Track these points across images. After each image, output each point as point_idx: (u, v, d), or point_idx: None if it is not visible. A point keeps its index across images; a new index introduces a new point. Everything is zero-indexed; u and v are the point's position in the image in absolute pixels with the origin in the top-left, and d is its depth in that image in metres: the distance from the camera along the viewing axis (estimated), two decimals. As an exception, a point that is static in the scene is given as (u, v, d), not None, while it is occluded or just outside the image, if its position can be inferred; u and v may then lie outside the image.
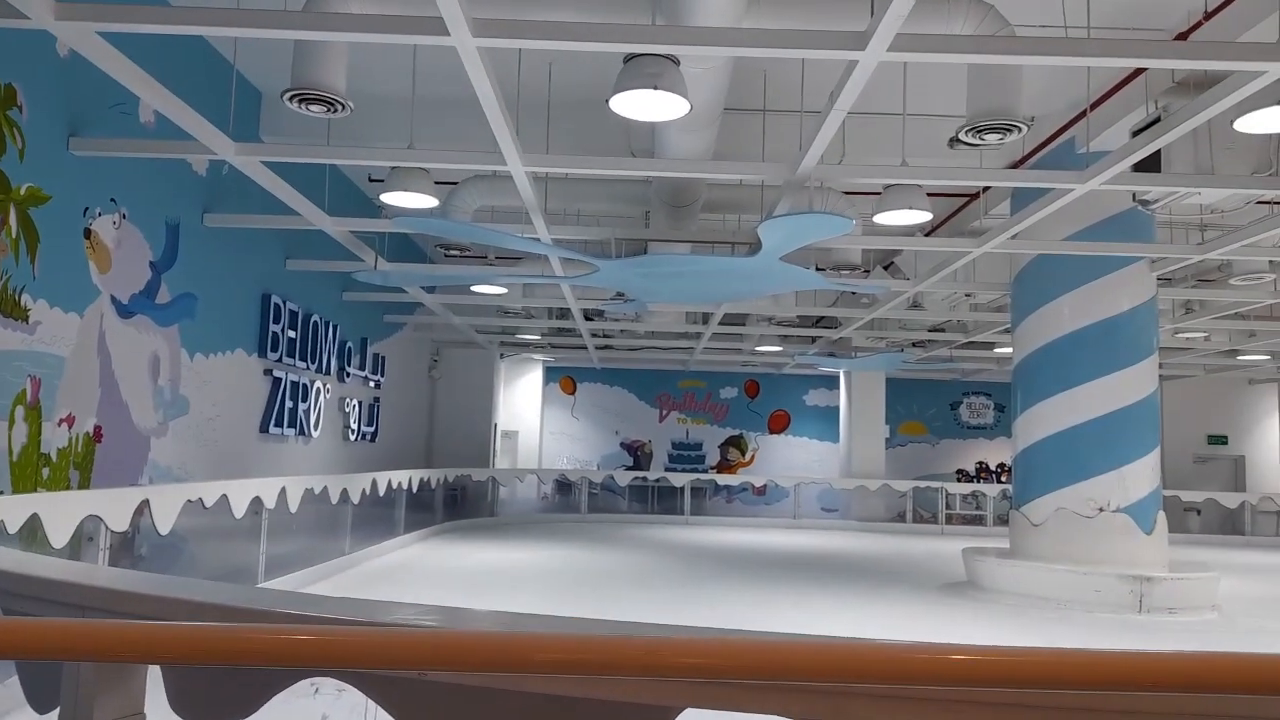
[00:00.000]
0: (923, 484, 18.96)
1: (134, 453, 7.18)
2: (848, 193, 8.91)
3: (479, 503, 17.06)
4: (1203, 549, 14.08)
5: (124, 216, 6.92)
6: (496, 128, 6.01)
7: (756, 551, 13.72)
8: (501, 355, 19.84)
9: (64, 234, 6.20)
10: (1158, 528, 9.28)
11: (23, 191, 5.73)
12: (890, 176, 7.50)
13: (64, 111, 6.14)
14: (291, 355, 10.31)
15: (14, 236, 5.67)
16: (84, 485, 6.40)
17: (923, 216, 7.82)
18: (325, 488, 9.50)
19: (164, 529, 6.22)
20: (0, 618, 2.02)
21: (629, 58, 5.66)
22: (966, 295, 12.01)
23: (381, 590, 8.95)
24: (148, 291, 7.33)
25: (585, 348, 17.77)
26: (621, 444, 23.17)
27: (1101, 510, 9.17)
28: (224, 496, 7.19)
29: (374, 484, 10.98)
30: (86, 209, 6.46)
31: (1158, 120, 6.21)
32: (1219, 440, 21.44)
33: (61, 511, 5.06)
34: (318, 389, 11.22)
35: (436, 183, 8.19)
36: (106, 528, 5.51)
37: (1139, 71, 7.22)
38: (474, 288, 11.99)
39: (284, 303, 10.07)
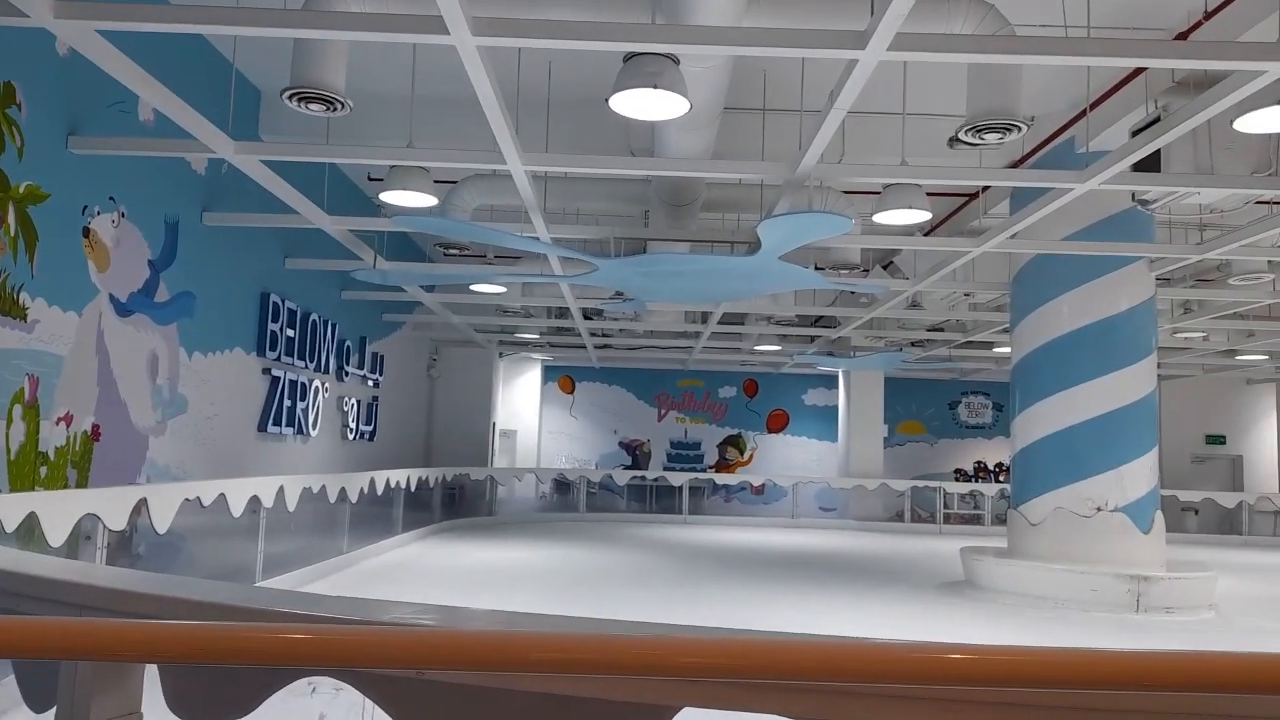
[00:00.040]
0: (921, 483, 18.97)
1: (132, 451, 7.17)
2: (847, 192, 8.91)
3: (477, 502, 17.06)
4: (1200, 549, 14.10)
5: (123, 215, 6.91)
6: (496, 127, 6.00)
7: (755, 551, 13.72)
8: (500, 354, 19.84)
9: (63, 232, 6.20)
10: (1155, 527, 9.29)
11: (21, 190, 5.73)
12: (890, 176, 7.50)
13: (63, 110, 6.14)
14: (290, 354, 10.30)
15: (13, 235, 5.67)
16: (82, 484, 6.40)
17: (922, 216, 7.82)
18: (323, 487, 9.49)
19: (162, 528, 6.21)
20: (-2, 616, 2.01)
21: (629, 57, 5.66)
22: (965, 295, 12.02)
23: (379, 589, 8.95)
24: (146, 290, 7.32)
25: (584, 347, 17.77)
26: (620, 443, 23.17)
27: (1099, 510, 9.18)
28: (222, 495, 7.19)
29: (372, 483, 10.98)
30: (85, 207, 6.45)
31: (1157, 120, 6.21)
32: (1217, 440, 21.46)
33: (59, 510, 5.06)
34: (316, 388, 11.22)
35: (436, 182, 8.19)
36: (104, 526, 5.51)
37: (1139, 71, 7.22)
38: (473, 287, 11.99)
39: (283, 301, 10.06)
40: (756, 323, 14.89)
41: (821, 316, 15.06)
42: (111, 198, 6.75)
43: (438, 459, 17.13)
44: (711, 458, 23.27)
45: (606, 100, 5.90)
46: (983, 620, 8.53)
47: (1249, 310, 12.68)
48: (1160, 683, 1.17)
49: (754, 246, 7.71)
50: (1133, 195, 7.72)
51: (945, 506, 18.56)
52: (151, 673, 1.86)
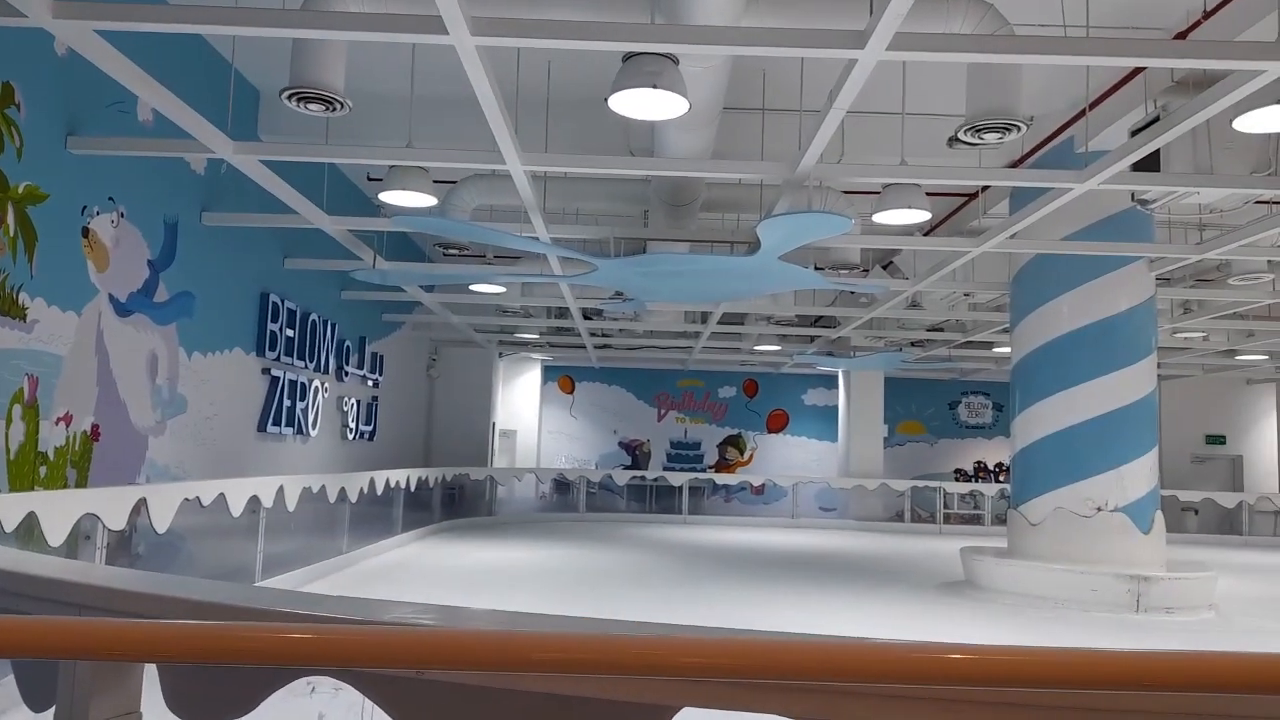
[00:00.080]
0: (921, 483, 18.97)
1: (131, 451, 7.17)
2: (847, 192, 8.91)
3: (477, 502, 17.06)
4: (1200, 549, 14.10)
5: (122, 215, 6.91)
6: (495, 127, 6.00)
7: (755, 551, 13.72)
8: (500, 354, 19.84)
9: (62, 233, 6.19)
10: (1155, 527, 9.29)
11: (21, 190, 5.73)
12: (889, 176, 7.50)
13: (62, 110, 6.14)
14: (290, 354, 10.30)
15: (12, 235, 5.67)
16: (81, 484, 6.40)
17: (922, 216, 7.82)
18: (323, 486, 9.49)
19: (161, 528, 6.21)
20: (-3, 616, 2.01)
21: (628, 56, 5.65)
22: (965, 295, 12.01)
23: (379, 589, 8.95)
24: (146, 290, 7.32)
25: (584, 347, 17.76)
26: (620, 443, 23.17)
27: (1099, 510, 9.18)
28: (221, 495, 7.19)
29: (372, 483, 10.98)
30: (84, 208, 6.45)
31: (1157, 120, 6.21)
32: (1217, 440, 21.46)
33: (58, 510, 5.06)
34: (316, 388, 11.21)
35: (435, 182, 8.19)
36: (104, 526, 5.50)
37: (1138, 71, 7.22)
38: (473, 287, 11.99)
39: (282, 302, 10.06)
40: (756, 323, 14.89)
41: (821, 316, 15.06)
42: (111, 198, 6.74)
43: (437, 459, 17.13)
44: (711, 458, 23.27)
45: (606, 100, 5.90)
46: (983, 620, 8.53)
47: (1249, 310, 12.68)
48: (1160, 683, 1.17)
49: (753, 246, 7.71)
50: (1132, 195, 7.72)
51: (945, 506, 18.56)
52: (151, 672, 1.86)
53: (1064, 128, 8.61)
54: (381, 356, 14.20)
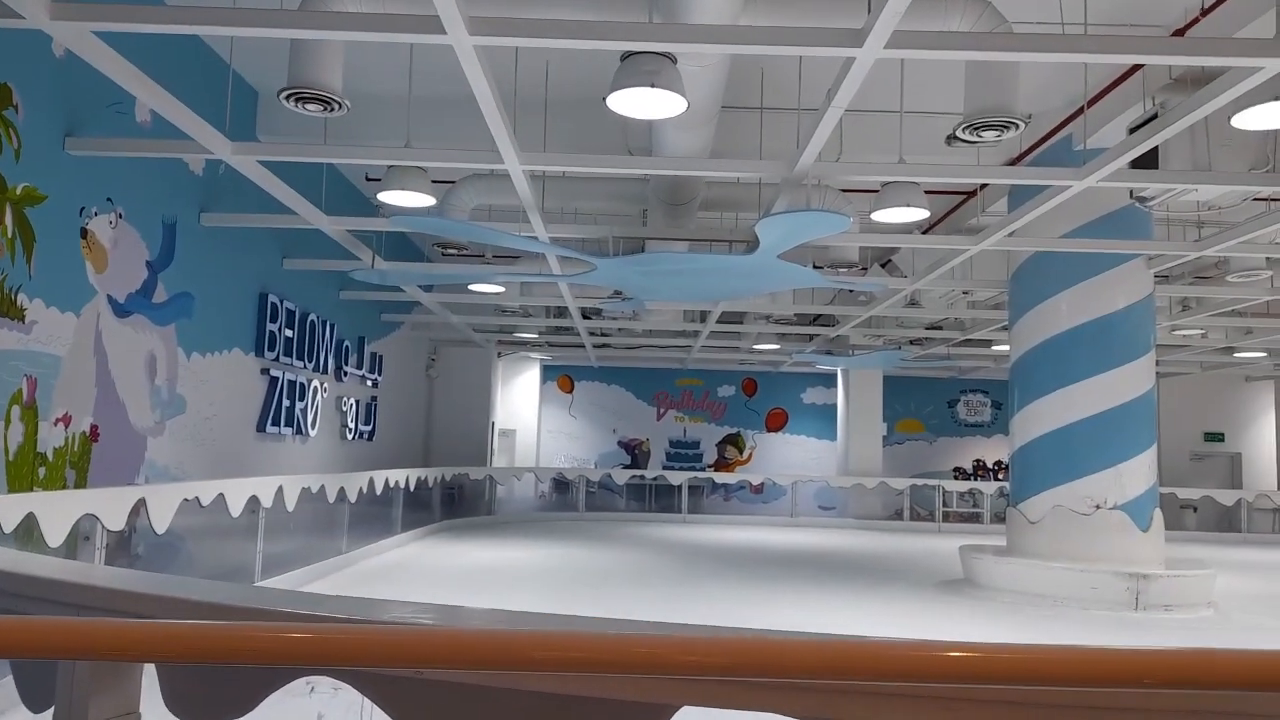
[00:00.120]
0: (920, 482, 18.97)
1: (130, 452, 7.17)
2: (845, 190, 8.91)
3: (476, 501, 17.05)
4: (1199, 546, 14.12)
5: (120, 216, 6.90)
6: (494, 126, 6.00)
7: (754, 549, 13.72)
8: (499, 354, 19.83)
9: (60, 233, 6.19)
10: (1154, 525, 9.30)
11: (19, 191, 5.72)
12: (888, 174, 7.50)
13: (60, 111, 6.13)
14: (289, 354, 10.30)
15: (10, 236, 5.66)
16: (80, 484, 6.40)
17: (920, 214, 7.82)
18: (322, 486, 9.49)
19: (160, 528, 6.21)
20: (-4, 617, 2.01)
21: (626, 56, 5.65)
22: (964, 293, 12.02)
23: (378, 589, 8.95)
24: (144, 291, 7.32)
25: (583, 346, 17.76)
26: (619, 442, 23.17)
27: (1098, 507, 9.18)
28: (221, 495, 7.18)
29: (371, 483, 10.98)
30: (83, 208, 6.45)
31: (1155, 117, 6.22)
32: (1215, 437, 21.47)
33: (57, 511, 5.05)
34: (315, 388, 11.21)
35: (434, 181, 8.19)
36: (103, 527, 5.50)
37: (1136, 68, 7.22)
38: (471, 286, 11.98)
39: (281, 302, 10.05)
40: (755, 321, 14.89)
41: (820, 315, 15.07)
42: (109, 199, 6.74)
43: (436, 459, 17.13)
44: (710, 457, 23.28)
45: (604, 99, 5.90)
46: (982, 618, 8.53)
47: (1247, 307, 12.69)
48: (1159, 680, 1.17)
49: (752, 245, 7.71)
50: (1131, 192, 7.72)
51: (944, 505, 18.57)
52: (150, 672, 1.86)
53: (1062, 125, 8.62)
54: (380, 356, 14.19)
